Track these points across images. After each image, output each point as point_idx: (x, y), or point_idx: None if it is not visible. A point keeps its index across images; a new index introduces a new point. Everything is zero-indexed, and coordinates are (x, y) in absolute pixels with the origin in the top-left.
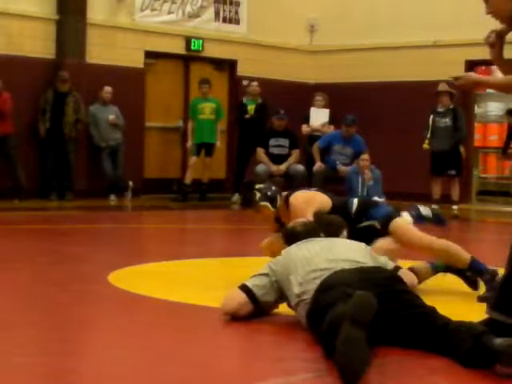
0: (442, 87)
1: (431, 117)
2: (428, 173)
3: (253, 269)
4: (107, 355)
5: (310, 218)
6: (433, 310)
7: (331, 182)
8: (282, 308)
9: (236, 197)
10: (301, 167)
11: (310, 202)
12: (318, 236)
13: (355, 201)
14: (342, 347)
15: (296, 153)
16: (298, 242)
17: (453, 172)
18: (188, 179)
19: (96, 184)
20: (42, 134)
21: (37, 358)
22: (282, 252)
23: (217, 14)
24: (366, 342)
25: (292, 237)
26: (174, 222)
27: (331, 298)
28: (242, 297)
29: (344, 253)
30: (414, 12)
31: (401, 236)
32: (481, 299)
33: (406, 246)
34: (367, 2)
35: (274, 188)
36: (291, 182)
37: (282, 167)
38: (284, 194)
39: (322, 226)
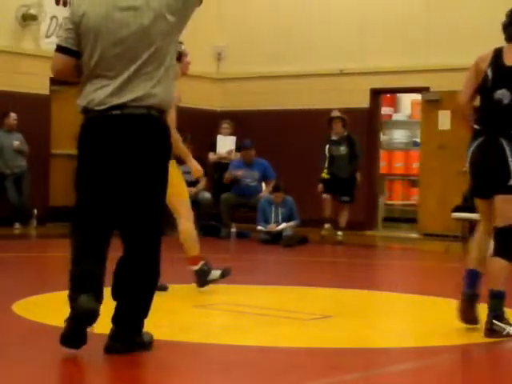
0: (335, 113)
1: (327, 146)
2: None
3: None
4: None
5: None
6: None
7: (239, 209)
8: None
9: None
10: (207, 195)
11: None
12: None
13: None
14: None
15: (203, 180)
16: None
17: (346, 198)
18: None
19: (0, 212)
20: None
21: None
22: None
23: None
24: None
25: None
26: None
27: None
28: (57, 55)
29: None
30: (321, 40)
31: None
32: None
33: None
34: (275, 30)
35: None
36: (198, 209)
37: (191, 192)
38: None
39: None
